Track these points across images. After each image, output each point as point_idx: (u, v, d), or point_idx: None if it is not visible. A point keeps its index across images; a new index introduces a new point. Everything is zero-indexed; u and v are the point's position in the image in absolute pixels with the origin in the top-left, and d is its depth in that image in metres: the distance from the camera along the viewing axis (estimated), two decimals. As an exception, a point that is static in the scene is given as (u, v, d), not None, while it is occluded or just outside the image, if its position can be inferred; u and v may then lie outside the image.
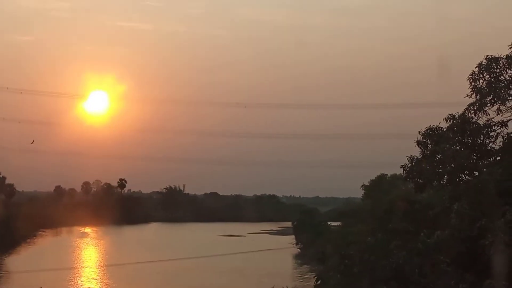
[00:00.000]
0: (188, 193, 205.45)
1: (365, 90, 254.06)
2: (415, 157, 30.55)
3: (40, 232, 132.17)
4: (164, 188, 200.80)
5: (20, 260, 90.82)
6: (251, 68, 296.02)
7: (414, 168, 29.78)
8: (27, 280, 69.65)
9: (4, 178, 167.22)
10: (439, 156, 28.74)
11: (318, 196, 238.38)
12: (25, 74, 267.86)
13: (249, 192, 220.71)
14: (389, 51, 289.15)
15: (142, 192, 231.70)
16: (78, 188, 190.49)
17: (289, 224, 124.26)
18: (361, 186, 76.33)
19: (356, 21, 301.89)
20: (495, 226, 20.95)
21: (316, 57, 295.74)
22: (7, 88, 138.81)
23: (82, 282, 73.42)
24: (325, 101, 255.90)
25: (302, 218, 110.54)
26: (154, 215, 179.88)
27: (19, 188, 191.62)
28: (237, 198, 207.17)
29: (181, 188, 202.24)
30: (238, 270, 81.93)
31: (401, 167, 29.96)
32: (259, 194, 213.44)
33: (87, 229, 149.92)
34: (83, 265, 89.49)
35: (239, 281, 74.58)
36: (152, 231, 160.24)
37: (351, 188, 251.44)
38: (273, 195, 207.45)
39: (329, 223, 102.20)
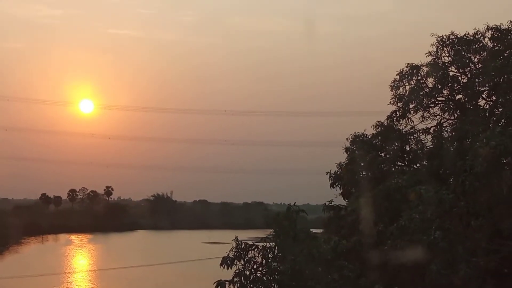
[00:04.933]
0: (176, 201, 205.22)
1: (360, 98, 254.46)
2: (343, 164, 30.86)
3: (23, 240, 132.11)
4: (152, 196, 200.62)
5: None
6: (241, 76, 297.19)
7: (340, 175, 30.12)
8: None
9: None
10: (361, 164, 29.10)
11: (308, 203, 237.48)
12: (14, 81, 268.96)
13: (239, 200, 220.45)
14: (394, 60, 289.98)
15: (132, 199, 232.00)
16: (65, 196, 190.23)
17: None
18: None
19: (355, 30, 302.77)
20: (388, 232, 21.32)
21: (308, 66, 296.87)
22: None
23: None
24: (316, 108, 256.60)
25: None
26: (141, 223, 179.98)
27: (8, 196, 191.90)
28: (226, 205, 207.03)
29: (169, 195, 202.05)
30: (200, 274, 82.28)
31: (327, 174, 30.24)
32: (249, 201, 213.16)
33: (73, 237, 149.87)
34: (60, 272, 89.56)
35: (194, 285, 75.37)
36: (137, 238, 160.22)
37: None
38: (261, 202, 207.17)
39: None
